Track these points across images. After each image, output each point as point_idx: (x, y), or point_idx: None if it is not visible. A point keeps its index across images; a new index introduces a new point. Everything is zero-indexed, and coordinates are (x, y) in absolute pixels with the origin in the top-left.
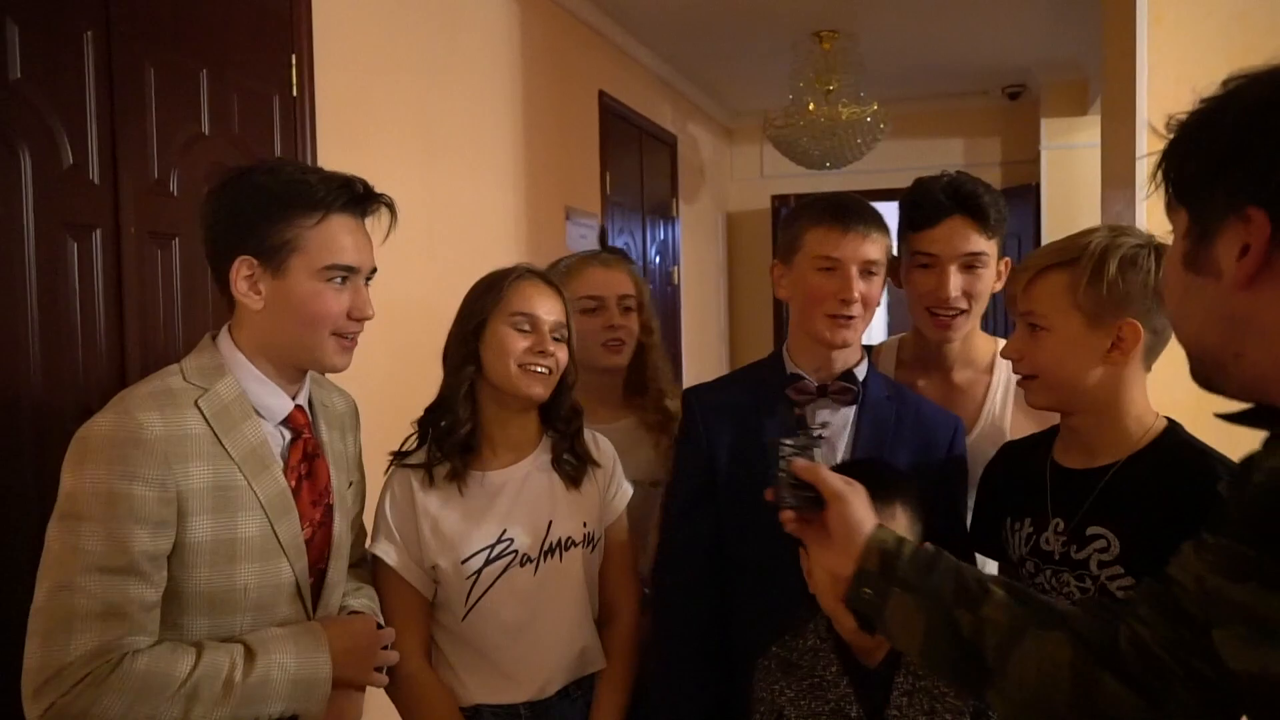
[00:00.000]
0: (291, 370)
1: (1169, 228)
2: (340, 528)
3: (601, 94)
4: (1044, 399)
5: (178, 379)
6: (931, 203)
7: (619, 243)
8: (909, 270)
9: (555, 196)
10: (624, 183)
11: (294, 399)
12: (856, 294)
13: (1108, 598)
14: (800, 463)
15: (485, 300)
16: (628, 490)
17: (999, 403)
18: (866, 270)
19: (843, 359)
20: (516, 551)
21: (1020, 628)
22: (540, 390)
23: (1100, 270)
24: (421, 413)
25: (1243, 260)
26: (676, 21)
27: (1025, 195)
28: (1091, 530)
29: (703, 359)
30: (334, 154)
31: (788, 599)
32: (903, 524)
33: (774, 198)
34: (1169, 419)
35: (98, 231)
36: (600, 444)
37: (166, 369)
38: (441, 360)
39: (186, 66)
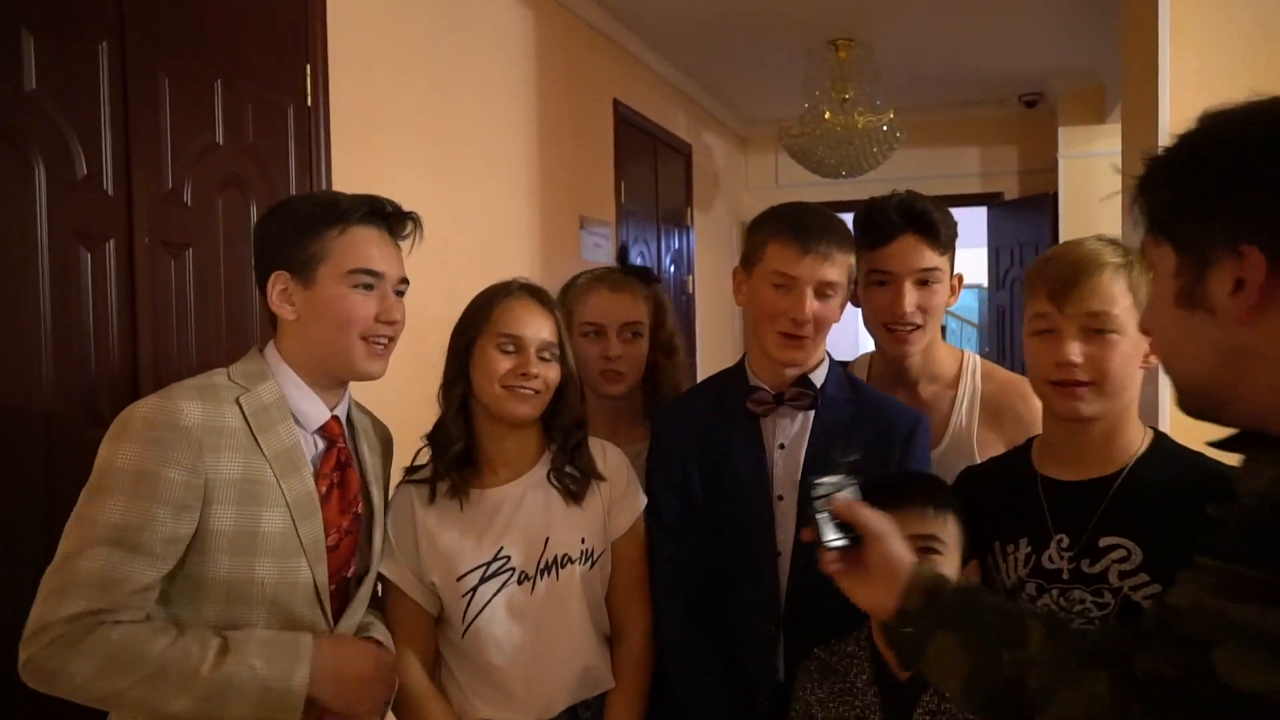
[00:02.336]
0: (329, 380)
1: None
2: (378, 543)
3: (616, 103)
4: (1097, 408)
5: (223, 377)
6: (885, 222)
7: (633, 252)
8: (865, 288)
9: (569, 206)
10: (638, 192)
11: (332, 410)
12: (809, 314)
13: (1132, 610)
14: (841, 500)
15: (474, 319)
16: (639, 504)
17: (964, 415)
18: (822, 291)
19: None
20: (514, 569)
21: (1062, 667)
22: (526, 410)
23: (1144, 274)
24: (432, 426)
25: (1238, 295)
26: (691, 30)
27: (1042, 204)
28: (1106, 541)
29: (718, 367)
30: (348, 164)
31: (766, 607)
32: (954, 533)
33: None
34: (1152, 427)
35: (111, 241)
36: (609, 455)
37: (214, 370)
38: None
39: (200, 76)
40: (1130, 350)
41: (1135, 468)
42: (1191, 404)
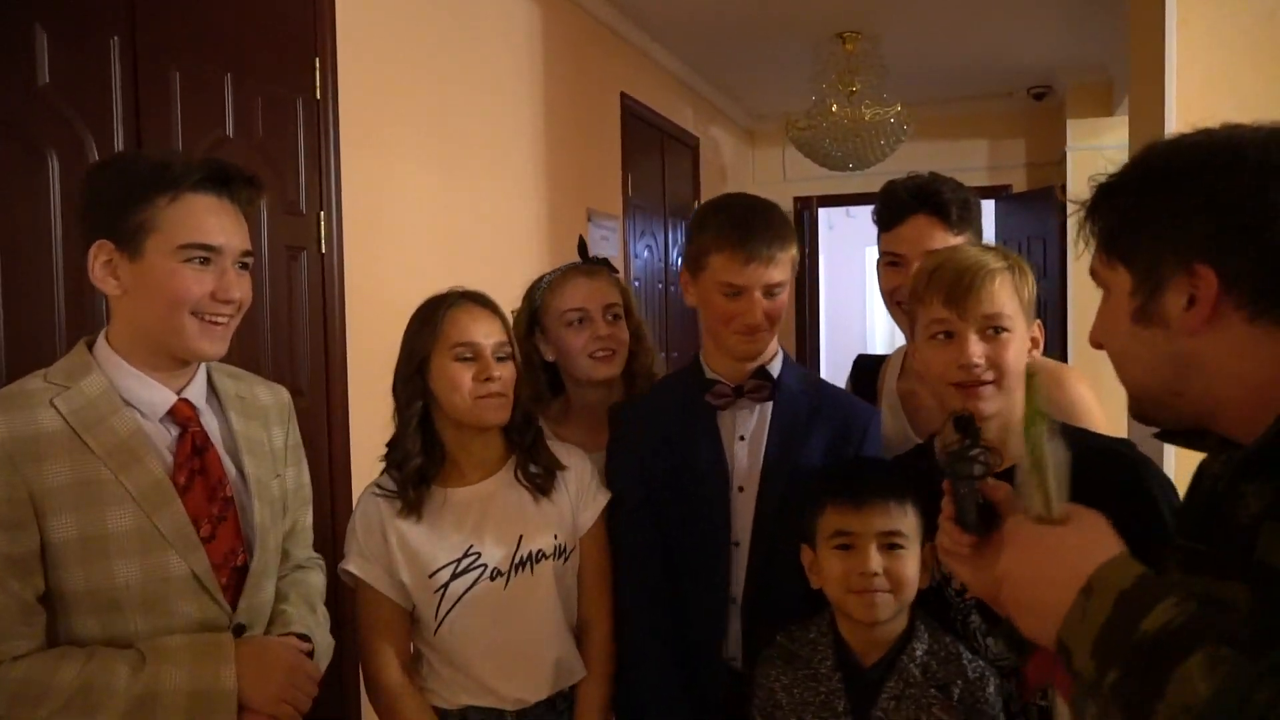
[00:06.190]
0: (166, 360)
1: None
2: (263, 518)
3: (623, 96)
4: (997, 404)
5: (38, 380)
6: (896, 203)
7: (640, 246)
8: (881, 268)
9: (576, 199)
10: (645, 185)
11: (179, 392)
12: (760, 318)
13: None
14: (994, 485)
15: (423, 336)
16: (602, 500)
17: None
18: (769, 291)
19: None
20: (485, 566)
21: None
22: (499, 416)
23: (1026, 276)
24: (387, 444)
25: (1191, 311)
26: (698, 24)
27: (1050, 197)
28: None
29: None
30: (356, 157)
31: (720, 595)
32: (914, 525)
33: (796, 199)
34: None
35: None
36: (571, 456)
37: (32, 374)
38: (392, 395)
39: (211, 71)
40: (1019, 346)
41: None
42: (1141, 410)
